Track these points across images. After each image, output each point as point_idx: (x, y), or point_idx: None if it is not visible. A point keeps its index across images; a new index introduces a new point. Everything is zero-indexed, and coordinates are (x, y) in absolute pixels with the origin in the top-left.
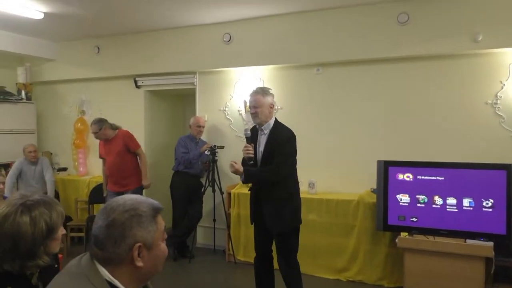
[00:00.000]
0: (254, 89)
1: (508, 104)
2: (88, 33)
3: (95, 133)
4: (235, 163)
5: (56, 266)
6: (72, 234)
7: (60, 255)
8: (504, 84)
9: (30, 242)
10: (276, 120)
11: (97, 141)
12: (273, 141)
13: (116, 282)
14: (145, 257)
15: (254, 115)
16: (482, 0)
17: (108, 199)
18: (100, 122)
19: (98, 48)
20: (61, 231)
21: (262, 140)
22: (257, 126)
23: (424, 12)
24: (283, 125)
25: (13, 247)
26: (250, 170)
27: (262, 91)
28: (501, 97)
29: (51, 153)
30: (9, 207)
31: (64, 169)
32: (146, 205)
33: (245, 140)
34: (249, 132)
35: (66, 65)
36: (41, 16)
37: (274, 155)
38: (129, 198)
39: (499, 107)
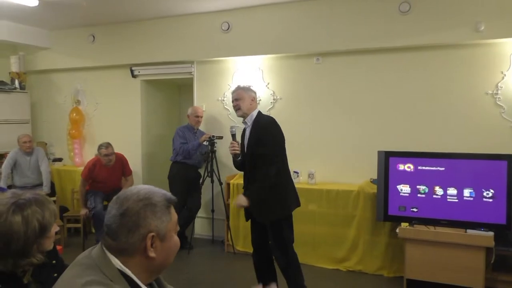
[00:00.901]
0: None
1: (509, 94)
2: (83, 21)
3: (111, 154)
4: (237, 202)
5: (54, 262)
6: (69, 225)
7: (59, 246)
8: (505, 75)
9: (22, 241)
10: (259, 112)
11: (93, 131)
12: (257, 130)
13: (128, 272)
14: (158, 247)
15: (236, 107)
16: None
17: (97, 199)
18: (111, 145)
19: (94, 36)
20: (54, 228)
21: (248, 132)
22: (231, 128)
23: (426, 1)
24: (265, 114)
25: (5, 246)
26: (250, 192)
27: (243, 87)
28: (501, 87)
29: (46, 144)
30: (1, 206)
31: (60, 160)
32: (160, 195)
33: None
34: (234, 129)
35: (61, 54)
36: (36, 3)
37: (258, 143)
38: (143, 188)
39: (499, 98)
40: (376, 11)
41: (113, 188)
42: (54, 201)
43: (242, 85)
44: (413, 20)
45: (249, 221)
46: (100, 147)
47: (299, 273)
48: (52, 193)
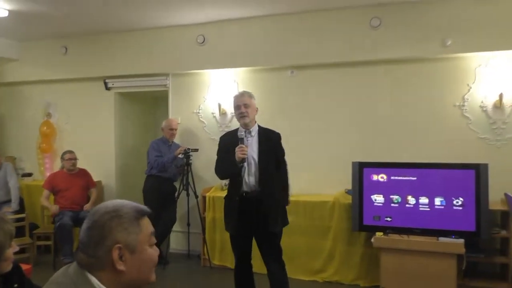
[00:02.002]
0: (240, 92)
1: (475, 106)
2: (55, 32)
3: (75, 159)
4: None
5: (16, 285)
6: (39, 243)
7: (27, 266)
8: (470, 87)
9: None
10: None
11: (65, 144)
12: (268, 140)
13: None
14: (128, 260)
15: (243, 114)
16: (451, 7)
17: (65, 212)
18: (74, 152)
19: (66, 48)
20: (12, 248)
21: (253, 142)
22: (239, 131)
23: (396, 17)
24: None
25: None
26: (285, 197)
27: (248, 94)
28: (468, 99)
29: (15, 158)
30: None
31: (29, 175)
32: (130, 208)
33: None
34: (243, 134)
35: (31, 65)
36: (6, 14)
37: (273, 153)
38: (114, 201)
39: (466, 109)
40: (348, 25)
41: (79, 203)
42: (23, 218)
43: (245, 91)
44: (383, 34)
45: (229, 234)
46: (64, 153)
47: (288, 281)
48: (21, 209)
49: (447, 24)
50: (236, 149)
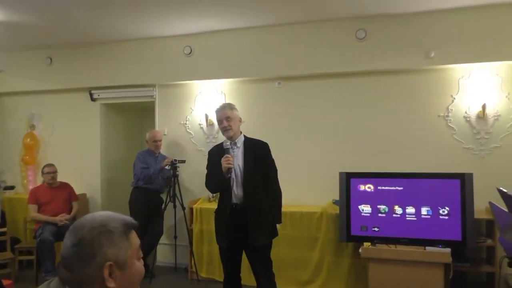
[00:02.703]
0: (220, 104)
1: (459, 116)
2: (40, 43)
3: (54, 172)
4: None
5: None
6: (21, 258)
7: (8, 281)
8: (454, 98)
9: None
10: (244, 134)
11: (49, 156)
12: (253, 150)
13: None
14: (118, 277)
15: (227, 128)
16: (435, 20)
17: (45, 227)
18: (54, 165)
19: (51, 59)
20: None
21: (239, 153)
22: (225, 142)
23: (381, 29)
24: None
25: None
26: (276, 216)
27: (229, 106)
28: (452, 110)
29: None
30: None
31: (12, 188)
32: (118, 221)
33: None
34: (228, 144)
35: (15, 76)
36: None
37: (260, 163)
38: (99, 214)
39: (450, 120)
40: (334, 37)
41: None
42: (5, 232)
43: (226, 103)
44: (369, 46)
45: (218, 248)
46: (44, 167)
47: None
48: (3, 223)
49: (431, 37)
50: (222, 159)
